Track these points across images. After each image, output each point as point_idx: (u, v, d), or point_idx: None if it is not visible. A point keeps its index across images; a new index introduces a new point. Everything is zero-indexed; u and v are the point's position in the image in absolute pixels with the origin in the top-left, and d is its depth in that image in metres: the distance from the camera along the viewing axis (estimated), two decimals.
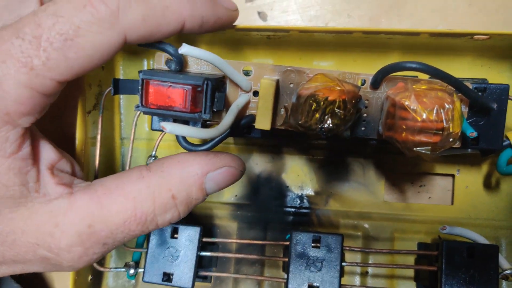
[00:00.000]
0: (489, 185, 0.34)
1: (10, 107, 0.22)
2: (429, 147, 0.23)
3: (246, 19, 0.36)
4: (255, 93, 0.27)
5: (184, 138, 0.28)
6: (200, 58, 0.24)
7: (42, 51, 0.21)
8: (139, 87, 0.24)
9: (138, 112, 0.32)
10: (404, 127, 0.24)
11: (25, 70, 0.21)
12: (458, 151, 0.31)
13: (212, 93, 0.24)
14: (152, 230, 0.25)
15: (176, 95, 0.24)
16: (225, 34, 0.31)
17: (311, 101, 0.24)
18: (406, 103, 0.24)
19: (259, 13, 0.36)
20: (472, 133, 0.26)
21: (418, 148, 0.23)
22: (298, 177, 0.36)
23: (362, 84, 0.26)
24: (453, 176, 0.35)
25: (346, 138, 0.26)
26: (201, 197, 0.26)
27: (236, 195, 0.36)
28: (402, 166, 0.35)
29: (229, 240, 0.34)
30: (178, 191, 0.25)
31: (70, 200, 0.24)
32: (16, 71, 0.21)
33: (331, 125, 0.23)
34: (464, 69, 0.33)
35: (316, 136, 0.24)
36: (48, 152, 0.25)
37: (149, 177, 0.25)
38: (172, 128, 0.23)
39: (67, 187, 0.24)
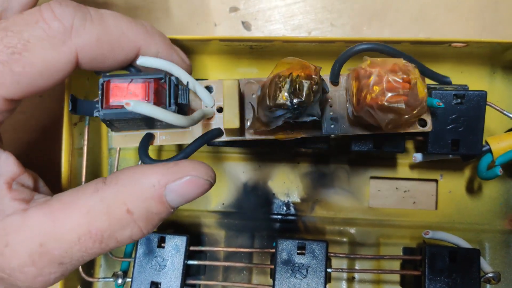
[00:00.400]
0: (472, 189, 0.35)
1: None
2: (402, 102, 0.23)
3: (230, 29, 0.37)
4: (219, 110, 0.26)
5: (145, 152, 0.25)
6: (161, 69, 0.24)
7: None
8: (99, 92, 0.23)
9: None
10: (371, 91, 0.23)
11: None
12: (440, 157, 0.32)
13: (175, 86, 0.24)
14: (115, 248, 0.23)
15: (138, 89, 0.23)
16: (208, 45, 0.31)
17: (276, 80, 0.23)
18: (368, 69, 0.24)
19: (243, 22, 0.37)
20: (439, 102, 0.26)
21: (391, 105, 0.23)
22: (284, 185, 0.36)
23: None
24: (436, 181, 0.35)
25: (317, 116, 0.24)
26: (164, 211, 0.23)
27: (223, 203, 0.37)
28: (386, 171, 0.36)
29: (216, 249, 0.34)
30: (134, 206, 0.22)
31: (23, 217, 0.22)
32: None
33: (299, 97, 0.23)
34: (445, 75, 0.33)
35: (287, 126, 0.24)
36: (8, 166, 0.24)
37: (104, 190, 0.23)
38: (136, 104, 0.21)
39: (23, 202, 0.23)
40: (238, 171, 0.37)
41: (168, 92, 0.23)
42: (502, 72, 0.33)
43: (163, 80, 0.23)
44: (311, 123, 0.25)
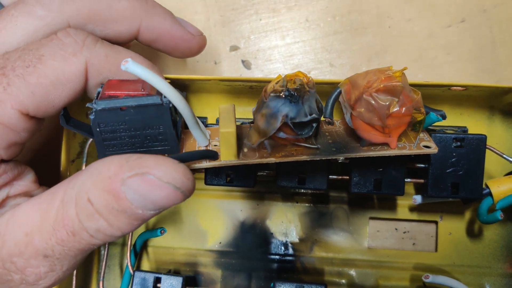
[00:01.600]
0: (472, 232, 0.34)
1: None
2: (398, 81, 0.23)
3: (230, 67, 0.37)
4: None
5: None
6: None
7: (4, 77, 0.22)
8: (95, 95, 0.24)
9: None
10: (368, 85, 0.24)
11: None
12: (440, 199, 0.31)
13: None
14: (91, 243, 0.22)
15: (137, 82, 0.24)
16: (208, 84, 0.31)
17: (273, 85, 0.23)
18: (362, 74, 0.24)
19: (243, 61, 0.37)
20: (438, 114, 0.26)
21: (389, 83, 0.23)
22: (283, 224, 0.36)
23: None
24: (436, 222, 0.35)
25: (317, 116, 0.23)
26: (127, 210, 0.21)
27: (220, 242, 0.36)
28: (386, 212, 0.35)
29: None
30: (93, 196, 0.21)
31: (15, 210, 0.23)
32: None
33: (295, 85, 0.23)
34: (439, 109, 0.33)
35: (286, 130, 0.23)
36: (24, 181, 0.26)
37: (76, 178, 0.22)
38: (132, 63, 0.20)
39: None
40: (235, 209, 0.36)
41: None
42: (500, 115, 0.33)
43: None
44: (310, 147, 0.25)
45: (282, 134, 0.24)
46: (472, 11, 0.36)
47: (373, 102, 0.24)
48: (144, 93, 0.23)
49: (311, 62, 0.37)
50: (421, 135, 0.26)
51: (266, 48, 0.37)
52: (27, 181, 0.26)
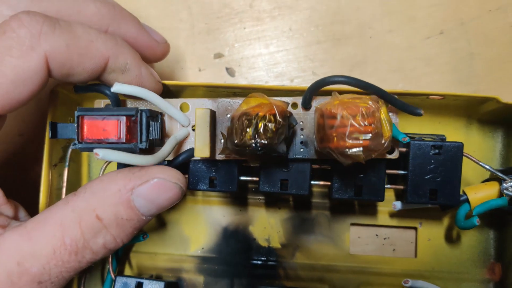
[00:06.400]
0: (451, 238, 0.35)
1: None
2: (361, 148, 0.23)
3: (214, 74, 0.37)
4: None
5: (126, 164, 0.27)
6: (135, 95, 0.25)
7: None
8: (76, 125, 0.24)
9: (105, 164, 0.33)
10: (334, 134, 0.24)
11: None
12: (419, 205, 0.32)
13: (147, 122, 0.25)
14: (91, 261, 0.23)
15: (111, 126, 0.24)
16: (193, 90, 0.32)
17: (243, 119, 0.24)
18: (333, 110, 0.24)
19: (227, 69, 0.38)
20: (404, 138, 0.26)
21: (351, 151, 0.23)
22: (265, 230, 0.36)
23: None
24: (415, 229, 0.36)
25: (283, 154, 0.25)
26: (134, 217, 0.23)
27: (202, 248, 0.36)
28: (366, 218, 0.36)
29: None
30: (102, 211, 0.23)
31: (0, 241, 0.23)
32: None
33: (263, 140, 0.24)
34: (423, 125, 0.34)
35: (255, 157, 0.25)
36: None
37: (74, 201, 0.23)
38: (104, 154, 0.22)
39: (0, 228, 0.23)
40: (218, 215, 0.36)
41: (140, 128, 0.25)
42: (478, 124, 0.34)
43: (134, 118, 0.24)
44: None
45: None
46: (450, 24, 0.37)
47: (336, 156, 0.24)
48: (120, 141, 0.24)
49: (294, 70, 0.37)
50: None
51: (250, 56, 0.38)
52: None
